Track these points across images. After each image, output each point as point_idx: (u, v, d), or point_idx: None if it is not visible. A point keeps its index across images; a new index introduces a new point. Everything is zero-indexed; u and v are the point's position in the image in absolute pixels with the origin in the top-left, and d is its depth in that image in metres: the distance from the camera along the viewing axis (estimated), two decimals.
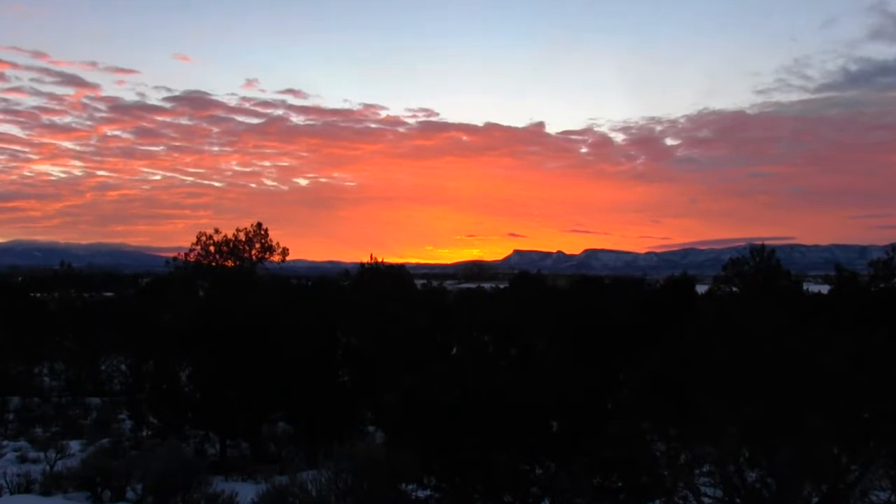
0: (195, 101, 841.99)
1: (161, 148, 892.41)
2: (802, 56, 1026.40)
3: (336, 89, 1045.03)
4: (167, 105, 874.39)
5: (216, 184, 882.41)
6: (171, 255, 46.35)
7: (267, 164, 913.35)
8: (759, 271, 33.74)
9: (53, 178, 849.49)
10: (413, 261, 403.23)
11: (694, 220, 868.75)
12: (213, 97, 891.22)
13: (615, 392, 15.15)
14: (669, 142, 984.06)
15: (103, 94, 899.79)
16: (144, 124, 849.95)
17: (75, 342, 43.13)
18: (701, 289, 43.77)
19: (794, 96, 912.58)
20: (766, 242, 34.50)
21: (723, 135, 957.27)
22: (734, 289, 34.85)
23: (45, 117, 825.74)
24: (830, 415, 10.25)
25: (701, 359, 11.40)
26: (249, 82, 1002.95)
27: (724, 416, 10.64)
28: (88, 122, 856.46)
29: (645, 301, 40.16)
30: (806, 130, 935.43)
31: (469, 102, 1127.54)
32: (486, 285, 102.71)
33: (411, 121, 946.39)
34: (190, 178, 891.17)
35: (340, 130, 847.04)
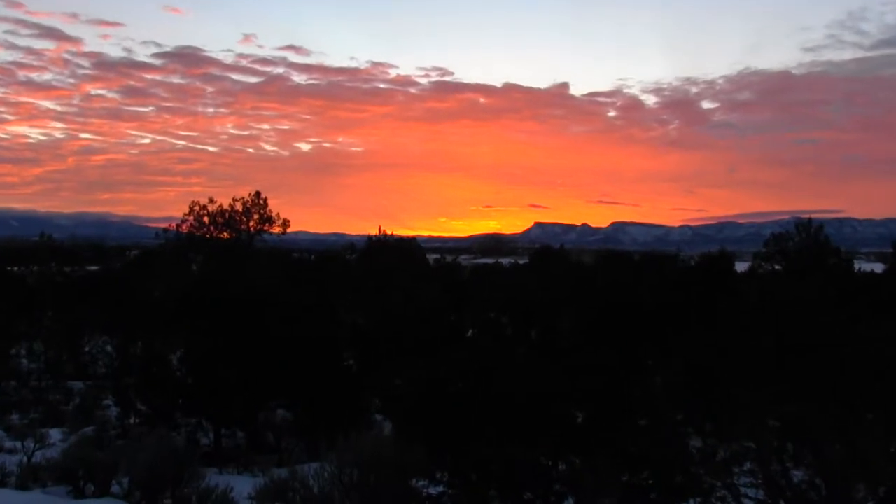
0: (187, 58, 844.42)
1: (150, 109, 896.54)
2: (857, 8, 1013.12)
3: (341, 46, 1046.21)
4: (157, 62, 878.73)
5: (210, 148, 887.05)
6: (162, 225, 46.53)
7: (266, 127, 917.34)
8: (806, 248, 33.53)
9: (32, 140, 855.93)
10: (425, 233, 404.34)
11: (732, 191, 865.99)
12: (207, 53, 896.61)
13: (645, 380, 15.04)
14: (706, 105, 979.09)
15: (86, 48, 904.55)
16: (132, 83, 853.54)
17: (56, 321, 43.33)
18: (740, 266, 43.55)
19: (848, 54, 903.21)
20: (814, 216, 34.31)
21: (766, 97, 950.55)
22: (777, 267, 34.66)
23: (21, 74, 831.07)
24: (887, 408, 10.11)
25: (741, 345, 11.26)
26: (247, 37, 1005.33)
27: (767, 408, 10.51)
28: (70, 80, 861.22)
29: (678, 279, 39.99)
30: (860, 92, 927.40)
31: (487, 61, 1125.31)
32: (505, 261, 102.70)
33: (423, 81, 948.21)
34: (182, 142, 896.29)
35: (346, 91, 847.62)
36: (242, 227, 45.64)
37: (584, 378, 14.15)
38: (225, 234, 45.72)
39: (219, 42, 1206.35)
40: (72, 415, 30.85)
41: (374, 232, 48.73)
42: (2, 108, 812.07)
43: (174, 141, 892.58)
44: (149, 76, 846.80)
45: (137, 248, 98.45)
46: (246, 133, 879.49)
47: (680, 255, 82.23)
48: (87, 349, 43.08)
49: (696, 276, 38.76)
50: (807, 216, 34.66)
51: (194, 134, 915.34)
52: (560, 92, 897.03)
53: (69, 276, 49.97)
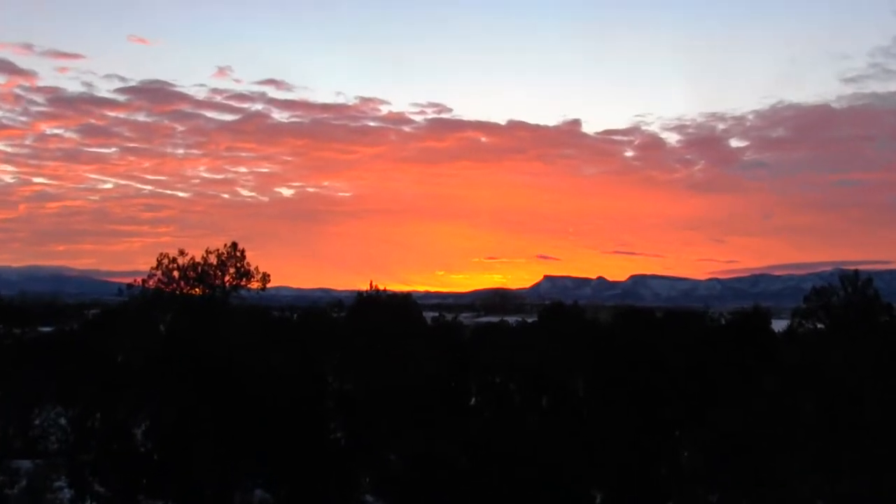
0: (155, 93, 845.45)
1: (113, 150, 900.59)
2: None
3: (327, 80, 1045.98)
4: (120, 98, 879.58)
5: (181, 194, 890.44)
6: (126, 280, 46.29)
7: (243, 170, 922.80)
8: (852, 304, 33.41)
9: None
10: (421, 288, 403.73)
11: (767, 240, 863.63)
12: (177, 88, 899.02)
13: (672, 452, 14.94)
14: (735, 143, 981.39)
15: (41, 83, 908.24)
16: (92, 121, 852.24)
17: (1, 389, 43.01)
18: (778, 325, 43.36)
19: (894, 84, 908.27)
20: (860, 267, 34.22)
21: (802, 134, 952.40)
22: (820, 325, 34.49)
23: None
24: None
25: (783, 416, 11.18)
26: (221, 70, 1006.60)
27: (815, 489, 10.41)
28: (22, 118, 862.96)
29: (708, 340, 39.85)
30: None
31: (488, 96, 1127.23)
32: (511, 319, 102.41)
33: (419, 118, 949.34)
34: (148, 188, 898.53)
35: (333, 129, 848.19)
36: (217, 282, 45.51)
37: (605, 453, 14.06)
38: (197, 290, 45.56)
39: (190, 75, 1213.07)
40: (17, 499, 30.46)
41: (364, 287, 48.53)
42: None
43: (140, 186, 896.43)
44: (111, 113, 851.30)
45: (97, 307, 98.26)
46: (220, 177, 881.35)
47: (709, 311, 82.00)
48: (37, 422, 42.70)
49: (728, 335, 38.64)
50: (853, 267, 34.61)
51: (162, 178, 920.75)
52: (571, 129, 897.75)
53: (18, 339, 49.70)
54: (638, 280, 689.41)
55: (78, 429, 34.47)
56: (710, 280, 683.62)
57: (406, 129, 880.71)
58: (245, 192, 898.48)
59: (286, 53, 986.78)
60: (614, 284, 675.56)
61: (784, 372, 20.42)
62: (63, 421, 40.93)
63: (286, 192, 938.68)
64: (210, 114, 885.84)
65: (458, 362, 42.77)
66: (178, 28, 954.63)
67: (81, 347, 44.94)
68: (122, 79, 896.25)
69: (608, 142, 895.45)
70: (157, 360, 26.97)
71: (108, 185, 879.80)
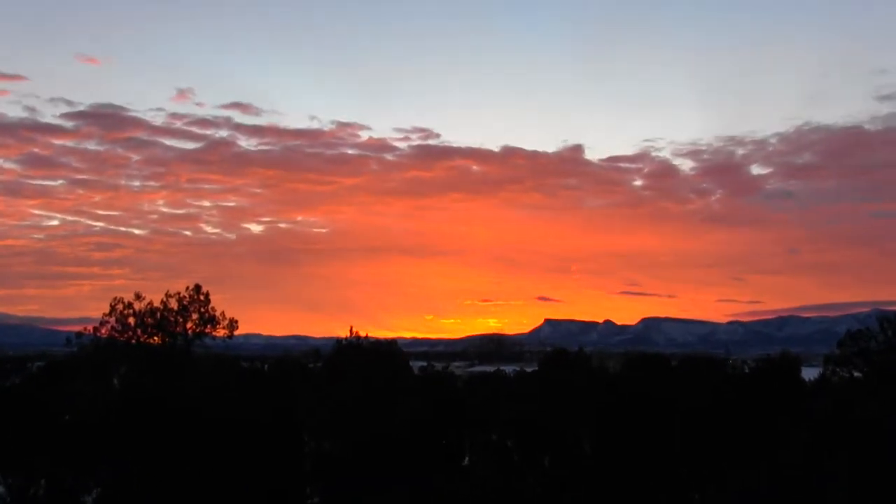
0: (106, 119, 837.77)
1: (59, 182, 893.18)
2: None
3: (299, 103, 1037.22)
4: (67, 124, 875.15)
5: (137, 231, 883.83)
6: (75, 329, 46.23)
7: (206, 204, 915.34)
8: (893, 348, 33.51)
9: None
10: (408, 335, 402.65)
11: (794, 278, 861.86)
12: (132, 113, 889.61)
13: None
14: (757, 170, 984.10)
15: None
16: (36, 150, 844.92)
17: None
18: (808, 373, 43.47)
19: None
20: None
21: (832, 159, 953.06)
22: (857, 373, 34.59)
23: None
24: None
25: (815, 476, 11.25)
26: (181, 93, 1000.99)
27: None
28: None
29: (729, 390, 39.93)
30: None
31: (481, 119, 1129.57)
32: (508, 368, 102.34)
33: (402, 145, 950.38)
34: (100, 224, 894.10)
35: (306, 158, 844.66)
36: (178, 329, 45.48)
37: None
38: (156, 338, 45.53)
39: (146, 99, 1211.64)
40: None
41: (343, 334, 48.57)
42: None
43: (90, 222, 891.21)
44: (58, 142, 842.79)
45: (42, 358, 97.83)
46: (181, 212, 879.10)
47: (730, 358, 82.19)
48: None
49: (752, 385, 38.76)
50: (892, 308, 34.81)
51: (115, 213, 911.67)
52: (572, 156, 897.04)
53: None
54: (650, 323, 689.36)
55: (19, 497, 34.28)
56: (731, 323, 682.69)
57: (389, 157, 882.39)
58: (209, 229, 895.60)
59: (254, 74, 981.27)
60: (623, 329, 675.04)
61: (816, 426, 20.48)
62: (1, 489, 40.71)
63: (255, 228, 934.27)
64: (169, 141, 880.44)
65: (449, 417, 42.74)
66: (133, 46, 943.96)
67: (24, 405, 44.74)
68: (70, 102, 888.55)
69: (614, 170, 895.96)
70: (113, 418, 26.92)
71: (54, 222, 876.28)
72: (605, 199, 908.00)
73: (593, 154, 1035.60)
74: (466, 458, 40.89)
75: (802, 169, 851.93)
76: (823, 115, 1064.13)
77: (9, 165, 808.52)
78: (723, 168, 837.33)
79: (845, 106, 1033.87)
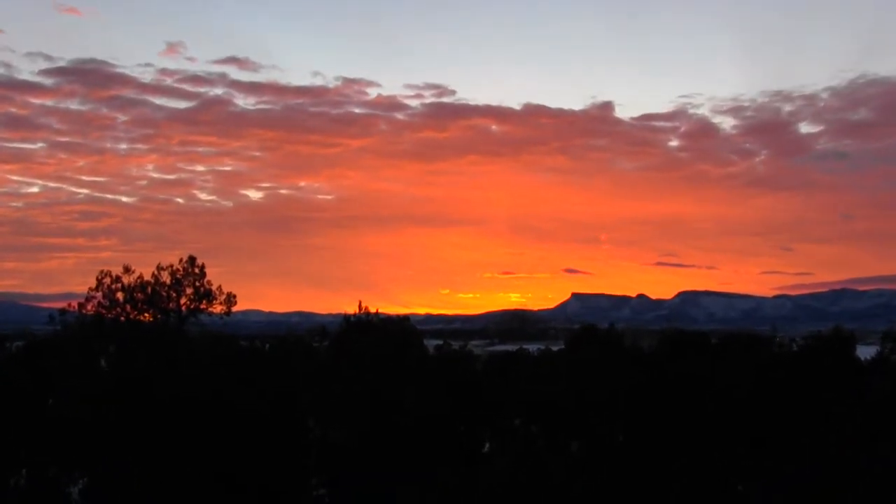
0: (90, 76, 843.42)
1: (39, 146, 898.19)
2: None
3: (302, 57, 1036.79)
4: (47, 81, 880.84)
5: (124, 199, 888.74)
6: (58, 305, 46.39)
7: (200, 168, 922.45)
8: None
9: None
10: (422, 311, 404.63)
11: (848, 248, 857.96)
12: (118, 69, 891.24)
13: None
14: (806, 128, 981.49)
15: None
16: (13, 110, 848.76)
17: None
18: (864, 351, 43.24)
19: None
20: None
21: (890, 115, 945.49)
22: None
23: None
24: None
25: (871, 464, 11.21)
26: (172, 47, 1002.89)
27: None
28: None
29: (776, 371, 39.82)
30: None
31: (500, 75, 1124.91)
32: (532, 347, 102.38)
33: (415, 103, 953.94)
34: (84, 191, 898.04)
35: (309, 118, 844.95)
36: (171, 305, 45.62)
37: None
38: (147, 315, 45.68)
39: (133, 54, 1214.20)
40: None
41: (351, 311, 48.65)
42: None
43: (73, 189, 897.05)
44: (36, 101, 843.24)
45: (22, 338, 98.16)
46: (173, 177, 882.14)
47: (777, 336, 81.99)
48: None
49: (802, 365, 38.64)
50: None
51: (101, 179, 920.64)
52: (601, 115, 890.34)
53: None
54: (687, 298, 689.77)
55: None
56: (778, 297, 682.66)
57: (399, 116, 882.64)
58: (203, 196, 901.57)
59: (251, 26, 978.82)
60: (658, 303, 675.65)
61: (872, 409, 20.41)
62: None
63: (254, 195, 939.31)
64: (158, 100, 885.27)
65: (467, 401, 42.83)
66: None
67: (2, 390, 45.01)
68: (49, 58, 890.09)
69: (647, 129, 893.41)
70: (99, 404, 27.03)
71: (34, 189, 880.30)
72: (637, 161, 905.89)
73: (624, 112, 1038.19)
74: (486, 446, 40.98)
75: (857, 126, 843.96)
76: (881, 67, 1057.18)
77: None
78: (768, 126, 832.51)
79: None
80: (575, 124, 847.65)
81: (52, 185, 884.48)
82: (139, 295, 45.34)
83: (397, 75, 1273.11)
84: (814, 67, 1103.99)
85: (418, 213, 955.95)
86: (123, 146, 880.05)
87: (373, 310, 48.20)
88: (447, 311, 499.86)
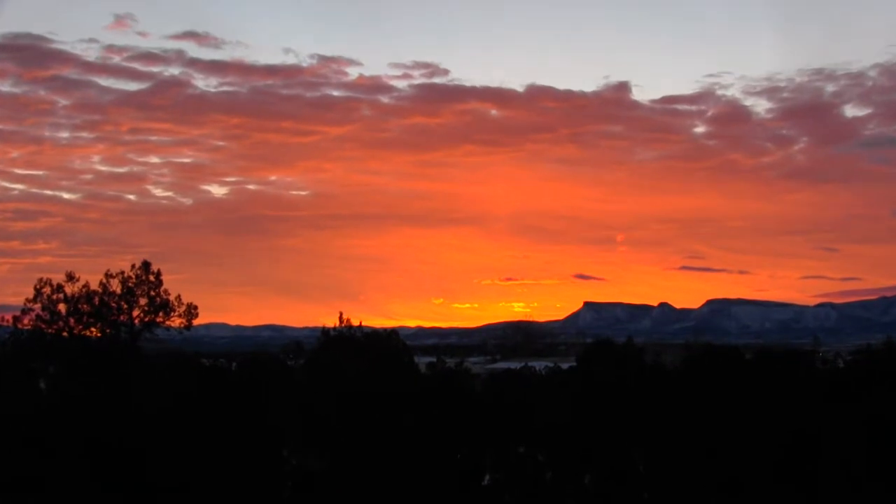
0: (25, 53, 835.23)
1: None
2: None
3: (271, 32, 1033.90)
4: None
5: (66, 195, 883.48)
6: None
7: (155, 160, 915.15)
8: None
9: None
10: (412, 323, 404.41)
11: None
12: (58, 45, 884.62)
13: None
14: (852, 111, 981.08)
15: None
16: None
17: None
18: None
19: None
20: None
21: None
22: None
23: None
24: None
25: None
26: (120, 20, 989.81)
27: None
28: None
29: (820, 389, 39.89)
30: None
31: (500, 52, 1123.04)
32: (539, 364, 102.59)
33: (402, 84, 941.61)
34: (19, 187, 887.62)
35: (280, 102, 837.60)
36: (122, 318, 45.58)
37: None
38: (94, 330, 45.61)
39: (76, 28, 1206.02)
40: None
41: (331, 323, 48.59)
42: None
43: (6, 185, 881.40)
44: None
45: None
46: (123, 170, 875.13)
47: (820, 351, 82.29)
48: None
49: (850, 382, 38.72)
50: None
51: (39, 173, 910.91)
52: (616, 97, 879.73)
53: None
54: (717, 307, 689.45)
55: None
56: (821, 306, 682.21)
57: (385, 99, 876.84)
58: (158, 192, 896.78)
59: None
60: (684, 314, 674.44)
61: None
62: None
63: (217, 190, 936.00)
64: (105, 81, 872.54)
65: (464, 426, 42.80)
66: None
67: None
68: None
69: (669, 113, 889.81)
70: (38, 432, 26.95)
71: None
72: (657, 150, 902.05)
73: (643, 94, 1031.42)
74: (486, 477, 41.00)
75: None
76: None
77: None
78: (808, 109, 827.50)
79: None
80: (586, 108, 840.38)
81: None
82: (85, 306, 45.21)
83: (382, 53, 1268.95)
84: (860, 43, 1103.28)
85: (407, 211, 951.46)
86: (65, 134, 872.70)
87: (355, 322, 48.16)
88: (441, 324, 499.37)
